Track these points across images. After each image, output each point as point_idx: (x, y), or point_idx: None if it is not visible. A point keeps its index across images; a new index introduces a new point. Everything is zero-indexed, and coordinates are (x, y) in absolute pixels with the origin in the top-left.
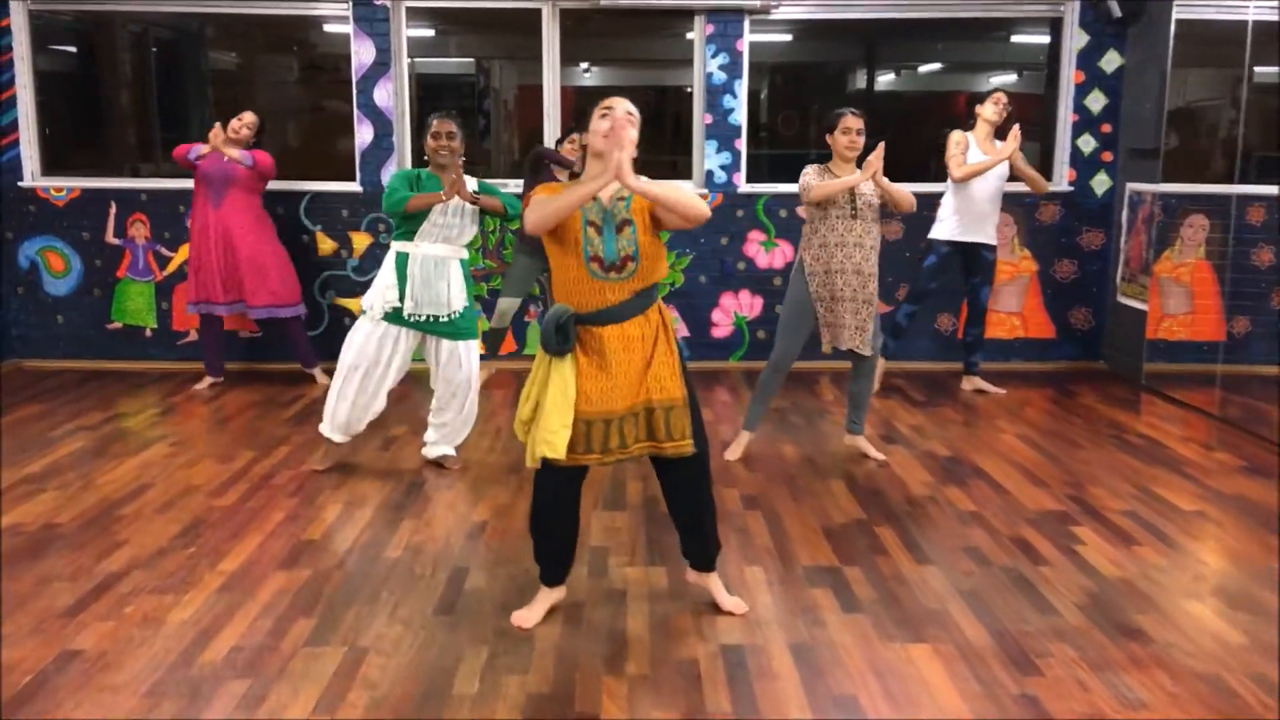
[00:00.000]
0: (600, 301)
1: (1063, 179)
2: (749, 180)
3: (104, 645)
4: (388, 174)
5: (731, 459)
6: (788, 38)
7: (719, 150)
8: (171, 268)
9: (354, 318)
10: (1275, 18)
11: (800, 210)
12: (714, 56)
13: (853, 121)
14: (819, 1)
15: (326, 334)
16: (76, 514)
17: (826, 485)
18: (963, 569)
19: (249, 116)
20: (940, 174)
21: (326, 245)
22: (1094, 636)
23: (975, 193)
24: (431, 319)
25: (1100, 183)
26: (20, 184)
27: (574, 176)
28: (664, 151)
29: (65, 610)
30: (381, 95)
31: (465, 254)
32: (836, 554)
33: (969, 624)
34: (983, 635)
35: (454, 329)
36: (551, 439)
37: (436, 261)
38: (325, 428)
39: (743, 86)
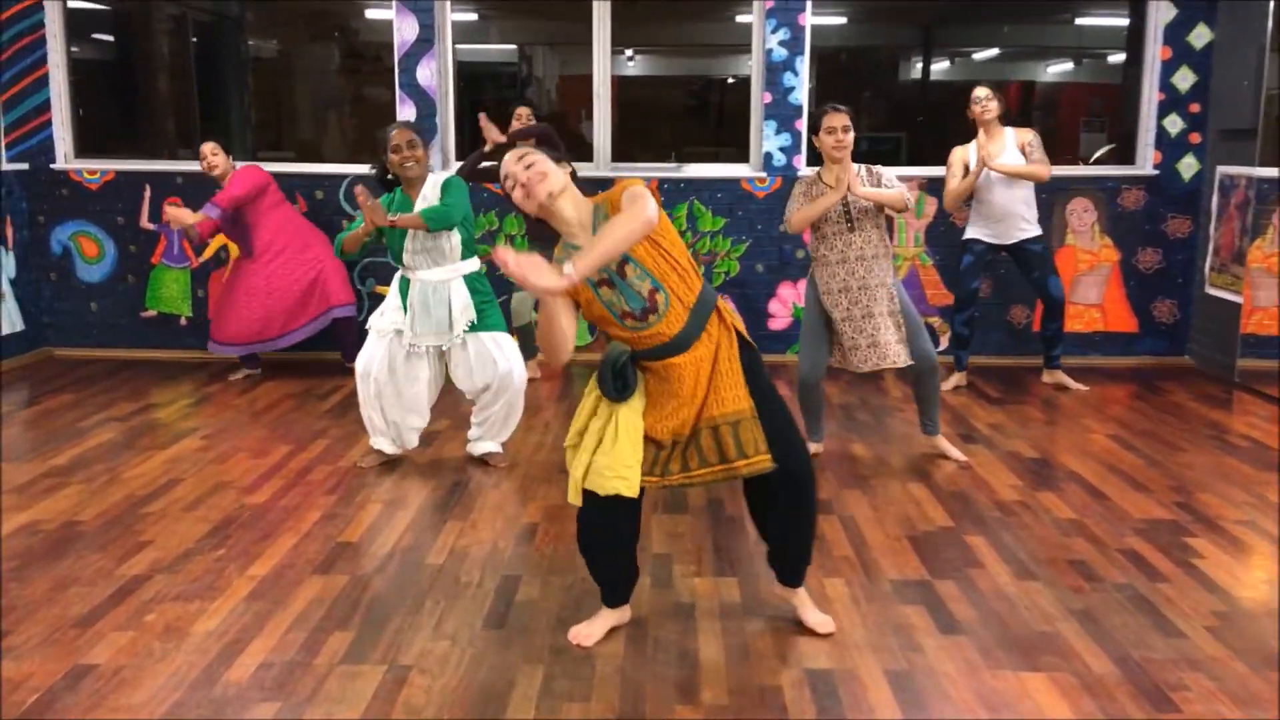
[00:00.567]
0: (655, 340)
1: (1147, 162)
2: (809, 163)
3: (121, 659)
4: (431, 157)
5: None
6: (842, 20)
7: (778, 131)
8: (207, 254)
9: None
10: None
11: None
12: (774, 32)
13: (836, 119)
14: None
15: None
16: (100, 511)
17: (905, 488)
18: (1070, 585)
19: (206, 146)
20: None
21: None
22: (1232, 667)
23: (990, 197)
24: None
25: (1187, 166)
26: (52, 166)
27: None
28: (708, 141)
29: (80, 619)
30: (424, 74)
31: (472, 266)
32: (925, 566)
33: (1087, 649)
34: (1104, 663)
35: (472, 326)
36: (629, 475)
37: (435, 287)
38: (373, 438)
39: (804, 64)
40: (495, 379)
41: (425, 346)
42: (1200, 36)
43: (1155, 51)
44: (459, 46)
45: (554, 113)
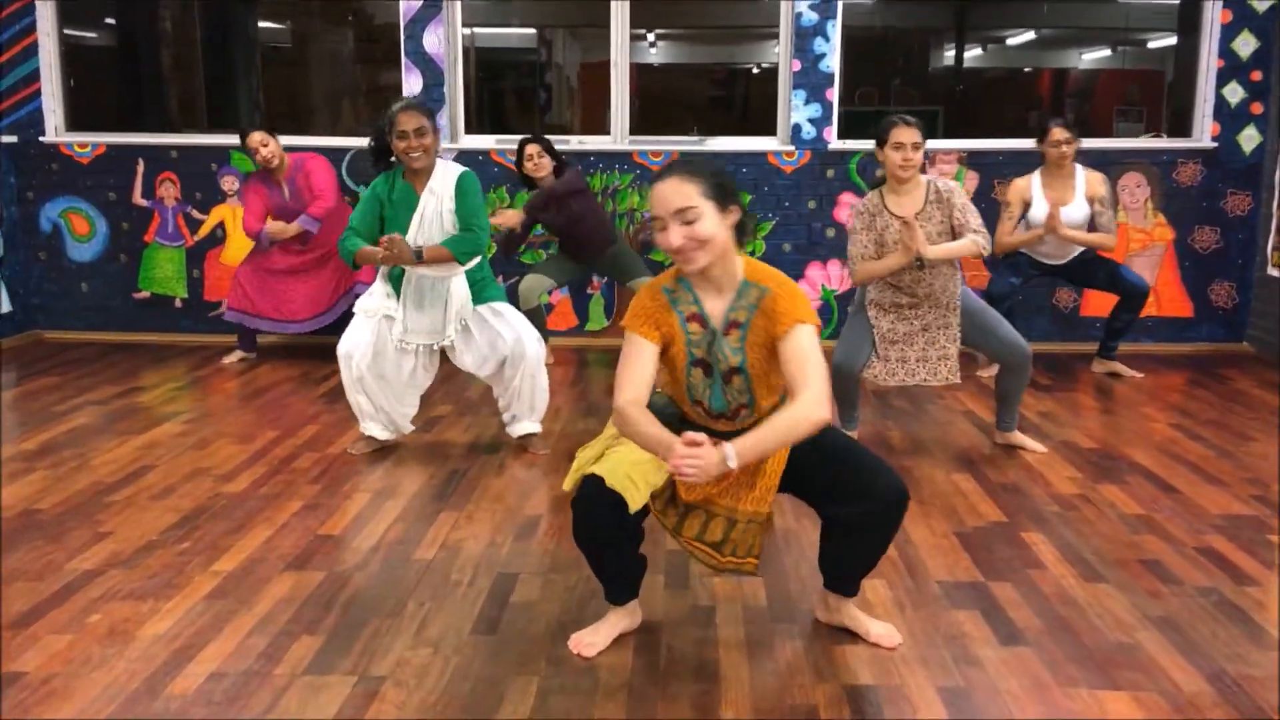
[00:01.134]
0: (711, 427)
1: (1205, 134)
2: (841, 136)
3: (53, 666)
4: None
5: None
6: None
7: (807, 102)
8: (203, 232)
9: None
10: None
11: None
12: None
13: (906, 133)
14: None
15: None
16: (62, 499)
17: (951, 480)
18: (1147, 588)
19: (257, 138)
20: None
21: None
22: None
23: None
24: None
25: (1249, 138)
26: (41, 139)
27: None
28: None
29: (17, 619)
30: (431, 41)
31: (473, 260)
32: (979, 567)
33: (1173, 664)
34: (1196, 680)
35: (476, 292)
36: (640, 486)
37: (433, 283)
38: (363, 423)
39: (836, 29)
40: (507, 351)
41: (417, 345)
42: None
43: (1215, 14)
44: (477, 30)
45: (575, 101)
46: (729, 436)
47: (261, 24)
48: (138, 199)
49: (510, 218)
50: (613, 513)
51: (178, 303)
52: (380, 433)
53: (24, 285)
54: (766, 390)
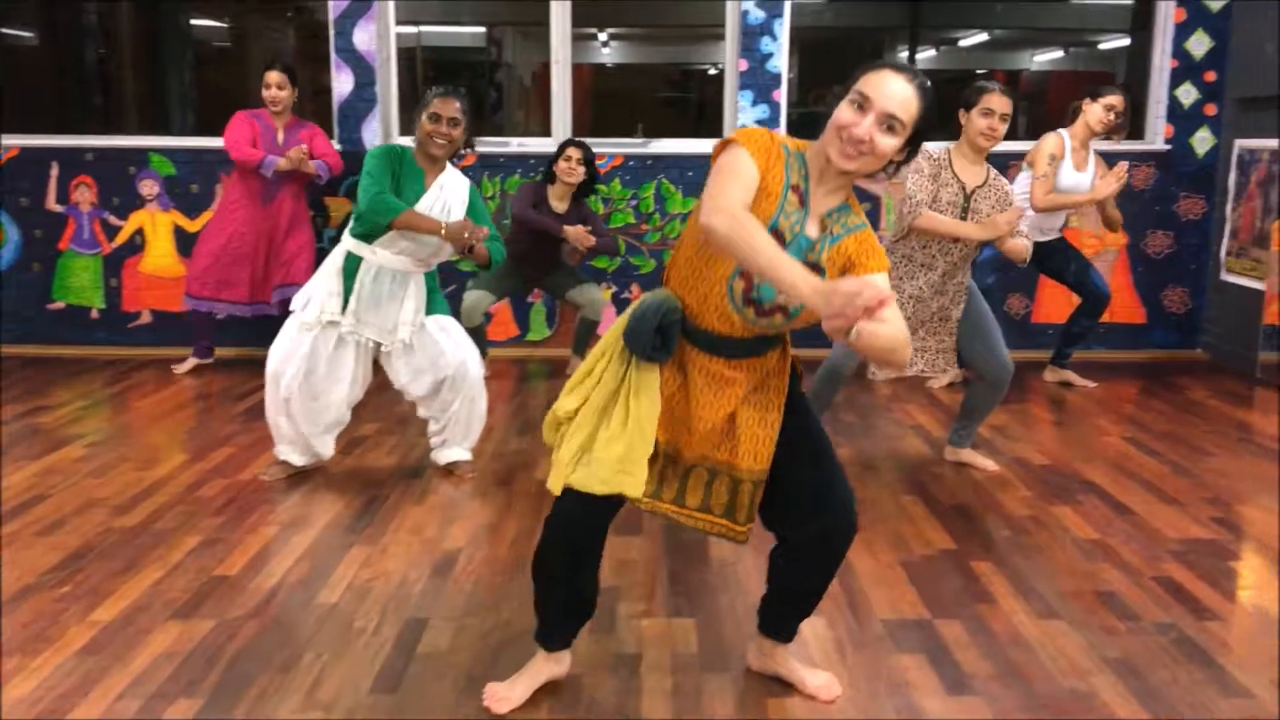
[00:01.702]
0: (719, 327)
1: (1158, 136)
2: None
3: None
4: (369, 131)
5: None
6: None
7: (755, 103)
8: (121, 239)
9: None
10: None
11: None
12: None
13: (999, 101)
14: None
15: None
16: None
17: (898, 502)
18: (1102, 625)
19: (275, 76)
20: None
21: None
22: None
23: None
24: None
25: (1202, 140)
26: None
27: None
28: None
29: None
30: (363, 38)
31: (432, 266)
32: (925, 602)
33: (1131, 713)
34: None
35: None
36: (635, 471)
37: (394, 276)
38: (279, 447)
39: (784, 27)
40: (449, 372)
41: (365, 338)
42: None
43: (1168, 12)
44: (425, 29)
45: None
46: (747, 344)
47: (196, 21)
48: (52, 204)
49: (583, 237)
50: (598, 515)
51: (94, 313)
52: (297, 458)
53: None
54: (810, 314)
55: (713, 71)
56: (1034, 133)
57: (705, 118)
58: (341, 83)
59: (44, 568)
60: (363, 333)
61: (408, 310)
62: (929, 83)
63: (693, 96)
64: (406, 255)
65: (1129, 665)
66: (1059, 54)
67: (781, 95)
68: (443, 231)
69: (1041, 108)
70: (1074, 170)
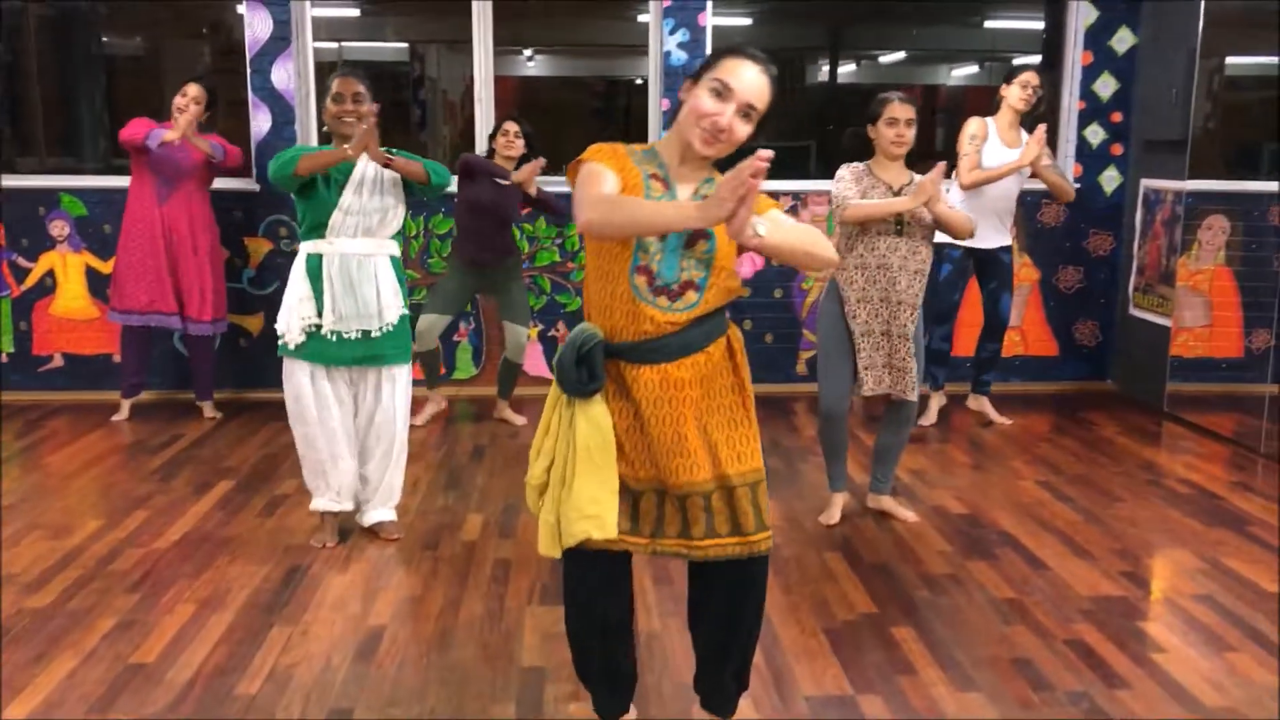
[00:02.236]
0: (644, 329)
1: (1067, 174)
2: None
3: None
4: None
5: (829, 524)
6: (748, 21)
7: None
8: (31, 281)
9: (249, 338)
10: None
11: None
12: (672, 33)
13: (901, 110)
14: None
15: (218, 356)
16: None
17: (821, 560)
18: (1017, 696)
19: (193, 90)
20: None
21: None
22: None
23: (989, 191)
24: (362, 334)
25: (1109, 179)
26: None
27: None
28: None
29: None
30: (280, 76)
31: (395, 249)
32: (848, 674)
33: None
34: None
35: (378, 352)
36: (598, 512)
37: (359, 261)
38: (322, 501)
39: None
40: (379, 418)
41: (353, 331)
42: (1123, 40)
43: (1076, 56)
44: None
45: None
46: (680, 339)
47: (108, 38)
48: None
49: (532, 169)
50: (604, 594)
51: (3, 357)
52: (344, 503)
53: None
54: (721, 279)
55: (640, 82)
56: (952, 144)
57: (632, 126)
58: (259, 121)
59: None
60: (350, 327)
61: (386, 290)
62: (776, 70)
63: (620, 105)
64: (361, 233)
65: None
66: (975, 69)
67: None
68: (350, 150)
69: (959, 119)
70: (1004, 148)
